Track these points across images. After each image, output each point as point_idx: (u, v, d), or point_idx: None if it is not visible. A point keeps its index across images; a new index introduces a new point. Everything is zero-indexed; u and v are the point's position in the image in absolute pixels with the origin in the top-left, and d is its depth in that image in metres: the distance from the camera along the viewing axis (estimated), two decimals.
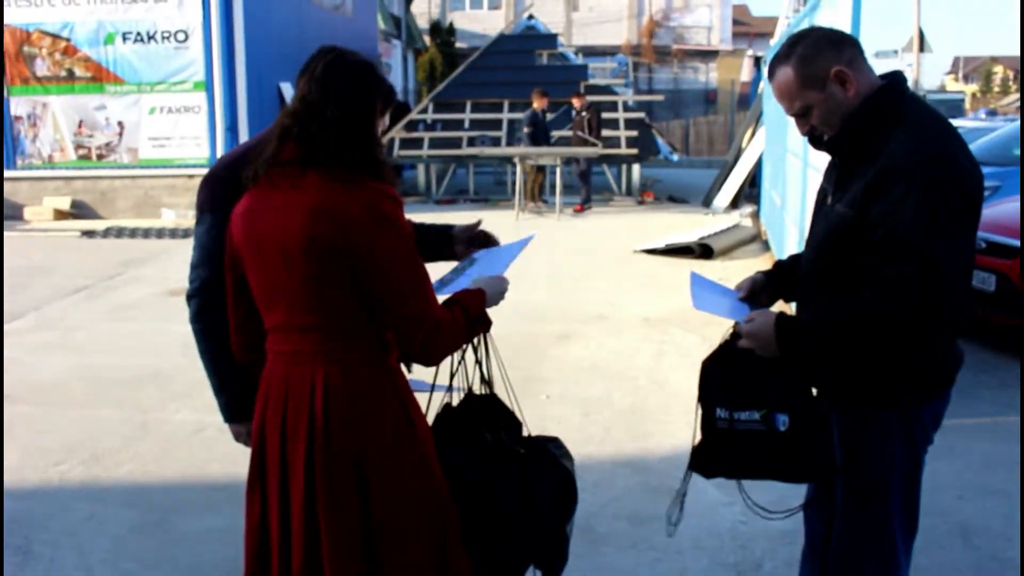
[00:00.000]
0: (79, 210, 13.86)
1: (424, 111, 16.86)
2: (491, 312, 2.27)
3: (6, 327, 7.23)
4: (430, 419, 2.39)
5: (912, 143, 2.10)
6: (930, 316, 2.04)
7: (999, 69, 64.51)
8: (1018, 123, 11.08)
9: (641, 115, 16.81)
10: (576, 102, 14.83)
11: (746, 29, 39.86)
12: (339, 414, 2.03)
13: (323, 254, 1.97)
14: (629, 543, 3.70)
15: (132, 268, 9.83)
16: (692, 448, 2.35)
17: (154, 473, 4.49)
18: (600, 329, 7.07)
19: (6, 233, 12.17)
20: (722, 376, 2.28)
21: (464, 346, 2.33)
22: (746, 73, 31.86)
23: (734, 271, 8.72)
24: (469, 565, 2.23)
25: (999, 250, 6.19)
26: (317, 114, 2.03)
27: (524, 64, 17.41)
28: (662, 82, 32.90)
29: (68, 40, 13.65)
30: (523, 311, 7.16)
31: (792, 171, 7.96)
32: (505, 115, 16.45)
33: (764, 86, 12.97)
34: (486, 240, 2.68)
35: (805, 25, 7.42)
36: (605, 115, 15.34)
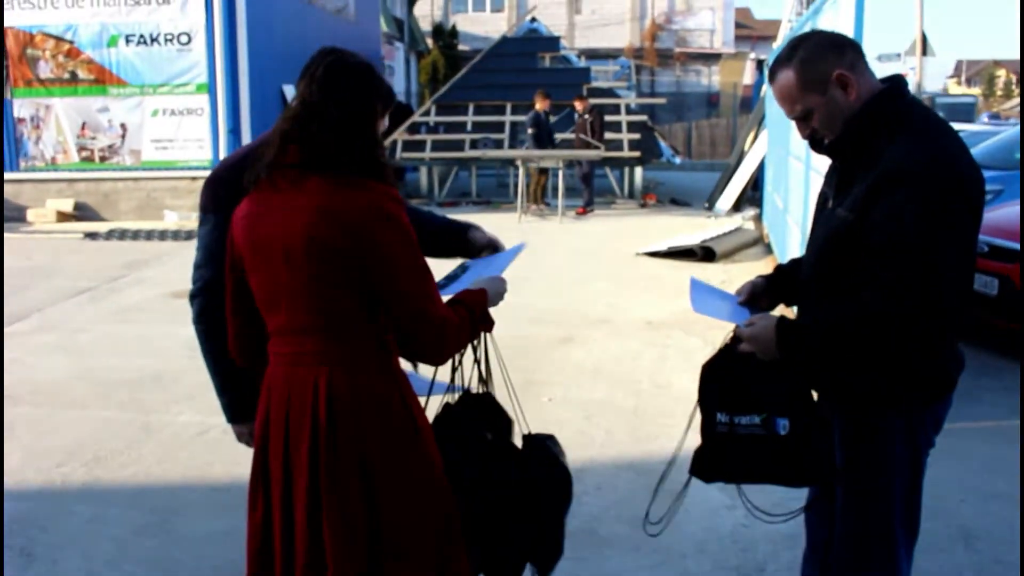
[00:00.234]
0: (82, 212, 13.88)
1: (427, 113, 16.88)
2: (493, 314, 2.29)
3: (9, 329, 7.25)
4: (430, 418, 2.39)
5: (913, 146, 2.11)
6: (930, 317, 2.04)
7: (1002, 72, 64.47)
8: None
9: (643, 118, 16.83)
10: (579, 105, 14.84)
11: (748, 32, 39.90)
12: (343, 416, 2.03)
13: (326, 255, 1.97)
14: (631, 546, 3.70)
15: (135, 270, 9.85)
16: (694, 452, 2.35)
17: (157, 475, 4.50)
18: (602, 332, 7.07)
19: (9, 235, 12.20)
20: (722, 380, 2.28)
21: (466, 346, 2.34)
22: (748, 76, 31.94)
23: (736, 274, 8.71)
24: (470, 565, 2.23)
25: (1002, 254, 6.19)
26: (317, 116, 2.03)
27: (527, 67, 17.44)
28: (664, 85, 32.91)
29: (71, 42, 13.67)
30: (525, 314, 7.17)
31: (794, 174, 7.96)
32: (508, 118, 16.47)
33: (766, 89, 12.97)
34: (494, 250, 2.71)
35: (807, 28, 7.43)
36: (607, 118, 15.34)
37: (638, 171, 16.18)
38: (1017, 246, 6.10)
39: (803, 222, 6.60)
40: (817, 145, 2.33)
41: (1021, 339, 6.03)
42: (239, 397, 2.49)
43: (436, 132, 16.50)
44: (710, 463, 2.31)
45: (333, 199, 1.98)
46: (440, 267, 2.37)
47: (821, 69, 2.20)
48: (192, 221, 12.99)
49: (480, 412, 2.53)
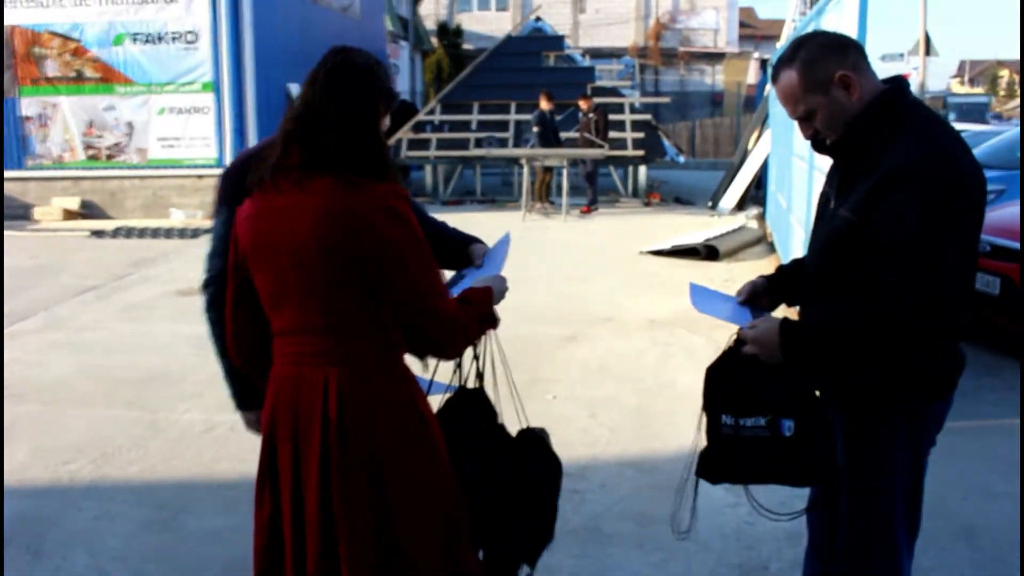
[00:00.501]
0: (88, 210, 13.92)
1: (431, 112, 16.90)
2: (498, 311, 2.31)
3: (16, 327, 7.28)
4: None
5: (914, 146, 2.11)
6: (931, 316, 2.05)
7: (1005, 72, 64.21)
8: None
9: (647, 117, 16.84)
10: (583, 104, 14.85)
11: (752, 32, 39.82)
12: (353, 415, 2.04)
13: (335, 256, 1.98)
14: (635, 544, 3.72)
15: (141, 268, 9.88)
16: (699, 454, 2.36)
17: (164, 472, 4.52)
18: (606, 330, 7.09)
19: (16, 233, 12.24)
20: (726, 383, 2.29)
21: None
22: (752, 75, 31.90)
23: (739, 273, 8.72)
24: (479, 563, 2.25)
25: (1004, 253, 6.19)
26: (319, 117, 2.04)
27: (531, 66, 17.44)
28: (668, 84, 32.88)
29: (78, 41, 13.72)
30: (529, 312, 7.18)
31: (798, 174, 7.97)
32: (512, 116, 16.48)
33: (770, 89, 12.96)
34: None
35: (811, 28, 7.44)
36: (612, 117, 15.35)
37: (642, 170, 16.20)
38: (1019, 246, 6.11)
39: (806, 221, 6.61)
40: (819, 145, 2.33)
41: (1022, 338, 6.04)
42: (247, 382, 2.46)
43: (441, 131, 16.52)
44: (715, 465, 2.32)
45: (339, 199, 1.98)
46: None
47: (824, 70, 2.20)
48: (198, 219, 13.04)
49: (477, 408, 2.54)
